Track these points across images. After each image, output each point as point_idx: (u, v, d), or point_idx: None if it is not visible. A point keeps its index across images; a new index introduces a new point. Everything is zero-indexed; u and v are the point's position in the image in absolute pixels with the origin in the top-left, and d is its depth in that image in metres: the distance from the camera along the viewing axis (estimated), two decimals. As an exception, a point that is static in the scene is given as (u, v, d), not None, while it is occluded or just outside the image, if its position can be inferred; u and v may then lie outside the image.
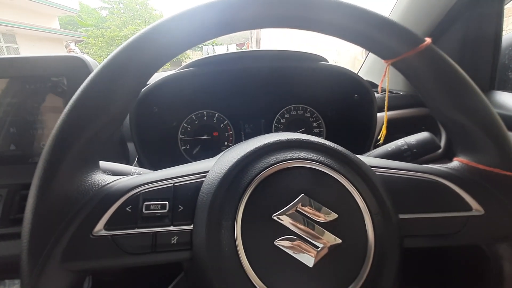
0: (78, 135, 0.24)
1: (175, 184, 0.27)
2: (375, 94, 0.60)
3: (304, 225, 0.24)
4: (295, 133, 0.30)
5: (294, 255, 0.23)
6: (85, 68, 0.46)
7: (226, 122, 0.70)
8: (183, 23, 0.26)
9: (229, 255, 0.23)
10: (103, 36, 13.11)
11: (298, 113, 0.72)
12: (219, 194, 0.25)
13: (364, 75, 0.81)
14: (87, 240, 0.23)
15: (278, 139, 0.28)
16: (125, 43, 0.26)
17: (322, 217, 0.25)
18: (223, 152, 0.31)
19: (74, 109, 0.25)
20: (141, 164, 0.56)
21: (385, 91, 0.37)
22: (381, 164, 0.30)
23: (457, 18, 0.65)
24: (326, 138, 0.30)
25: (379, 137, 0.38)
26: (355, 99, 0.62)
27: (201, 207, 0.25)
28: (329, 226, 0.24)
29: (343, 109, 0.68)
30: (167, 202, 0.25)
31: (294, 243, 0.24)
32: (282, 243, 0.24)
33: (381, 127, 0.62)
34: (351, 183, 0.26)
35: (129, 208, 0.25)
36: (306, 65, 0.61)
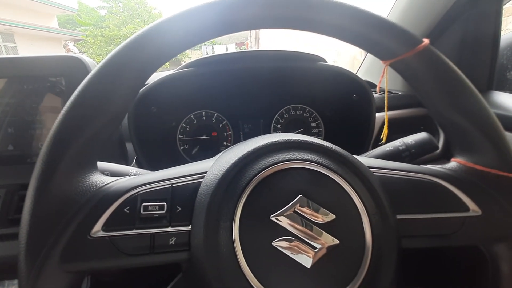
0: (76, 136, 0.24)
1: (173, 185, 0.27)
2: (374, 94, 0.60)
3: (302, 226, 0.24)
4: (293, 134, 0.30)
5: (292, 255, 0.23)
6: (83, 68, 0.46)
7: (225, 122, 0.70)
8: (183, 23, 0.26)
9: (227, 256, 0.23)
10: (102, 36, 13.07)
11: (297, 113, 0.72)
12: (217, 195, 0.25)
13: (362, 75, 0.81)
14: (85, 241, 0.23)
15: (276, 140, 0.28)
16: (124, 43, 0.26)
17: (320, 218, 0.25)
18: (221, 152, 0.31)
19: (72, 109, 0.25)
20: (139, 164, 0.56)
21: (383, 92, 0.37)
22: (379, 164, 0.30)
23: (456, 19, 0.65)
24: (325, 138, 0.31)
25: (381, 137, 0.38)
26: (353, 99, 0.62)
27: (199, 208, 0.25)
28: (327, 227, 0.24)
29: (341, 109, 0.68)
30: (165, 203, 0.25)
31: (292, 243, 0.24)
32: (280, 243, 0.24)
33: (380, 127, 0.63)
34: (349, 184, 0.26)
35: (127, 209, 0.25)
36: (305, 65, 0.61)
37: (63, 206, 0.24)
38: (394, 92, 0.76)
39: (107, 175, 0.28)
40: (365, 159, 0.31)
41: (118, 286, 0.55)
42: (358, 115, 0.63)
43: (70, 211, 0.24)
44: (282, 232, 0.24)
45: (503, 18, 0.67)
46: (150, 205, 0.25)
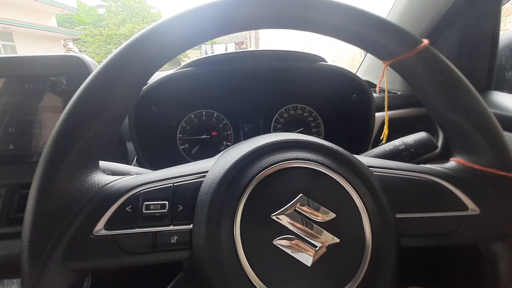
0: (78, 135, 0.25)
1: (175, 184, 0.27)
2: (373, 94, 0.61)
3: (303, 224, 0.24)
4: (293, 133, 0.30)
5: (292, 254, 0.24)
6: (84, 68, 0.46)
7: (225, 121, 0.70)
8: (183, 23, 0.26)
9: (228, 254, 0.23)
10: (100, 35, 13.04)
11: (296, 112, 0.72)
12: (218, 194, 0.25)
13: (362, 75, 0.81)
14: (88, 240, 0.23)
15: (276, 139, 0.28)
16: (125, 43, 0.26)
17: (320, 217, 0.25)
18: (222, 152, 0.32)
19: (75, 109, 0.25)
20: (140, 164, 0.57)
21: (383, 91, 0.37)
22: (379, 164, 0.31)
23: (455, 19, 0.65)
24: (325, 138, 0.31)
25: (382, 137, 0.38)
26: (353, 99, 0.63)
27: (200, 207, 0.25)
28: (327, 226, 0.25)
29: (341, 109, 0.68)
30: (166, 202, 0.26)
31: (293, 242, 0.24)
32: (280, 242, 0.24)
33: (379, 127, 0.63)
34: (349, 183, 0.26)
35: (129, 208, 0.25)
36: (305, 65, 0.62)
37: (66, 205, 0.24)
38: (393, 92, 0.76)
39: (109, 175, 0.28)
40: (365, 159, 0.31)
41: (119, 284, 0.55)
42: (357, 115, 0.63)
43: (72, 210, 0.24)
44: (282, 230, 0.24)
45: (502, 18, 0.67)
46: (152, 204, 0.25)
